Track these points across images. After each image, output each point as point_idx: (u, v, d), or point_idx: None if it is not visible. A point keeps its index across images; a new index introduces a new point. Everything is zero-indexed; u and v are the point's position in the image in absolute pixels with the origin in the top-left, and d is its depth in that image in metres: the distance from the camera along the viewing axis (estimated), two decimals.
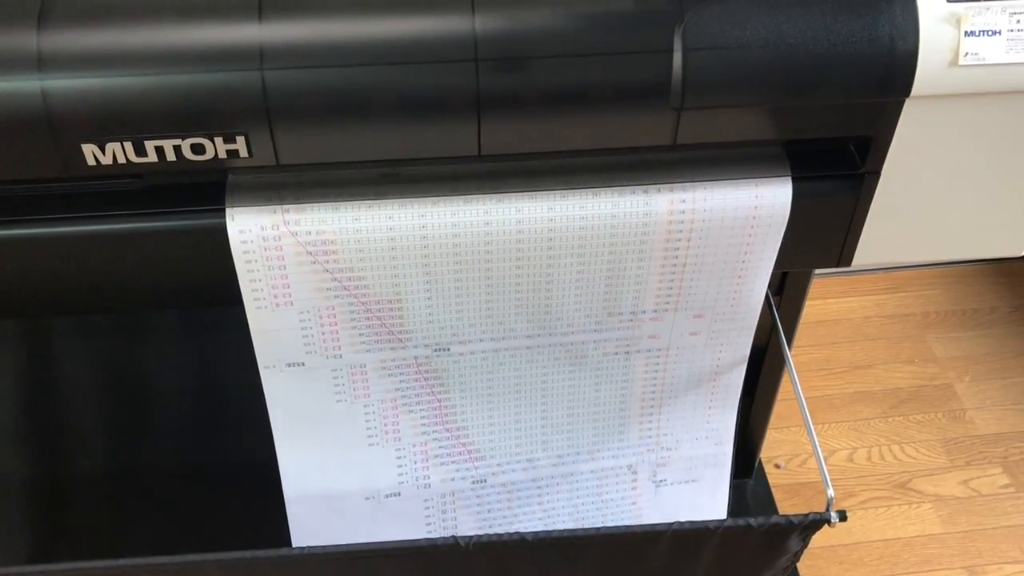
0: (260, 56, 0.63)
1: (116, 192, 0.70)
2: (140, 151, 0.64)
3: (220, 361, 1.03)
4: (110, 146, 0.64)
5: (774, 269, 0.79)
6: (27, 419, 1.02)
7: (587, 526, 0.90)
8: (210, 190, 0.71)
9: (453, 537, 0.75)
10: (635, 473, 0.93)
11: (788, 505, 1.26)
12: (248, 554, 0.76)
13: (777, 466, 1.31)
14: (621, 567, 0.81)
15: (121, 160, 0.65)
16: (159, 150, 0.65)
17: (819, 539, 0.87)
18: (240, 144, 0.65)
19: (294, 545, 0.90)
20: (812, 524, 0.77)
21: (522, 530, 0.81)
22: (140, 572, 0.77)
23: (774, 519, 0.76)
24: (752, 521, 0.76)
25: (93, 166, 0.65)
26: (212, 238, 0.71)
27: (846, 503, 1.26)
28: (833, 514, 0.77)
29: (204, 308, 0.99)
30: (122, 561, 0.76)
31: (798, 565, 1.13)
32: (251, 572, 0.78)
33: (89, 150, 0.64)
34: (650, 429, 0.91)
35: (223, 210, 0.71)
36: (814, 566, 1.19)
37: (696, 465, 0.94)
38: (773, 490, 1.23)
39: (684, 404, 0.90)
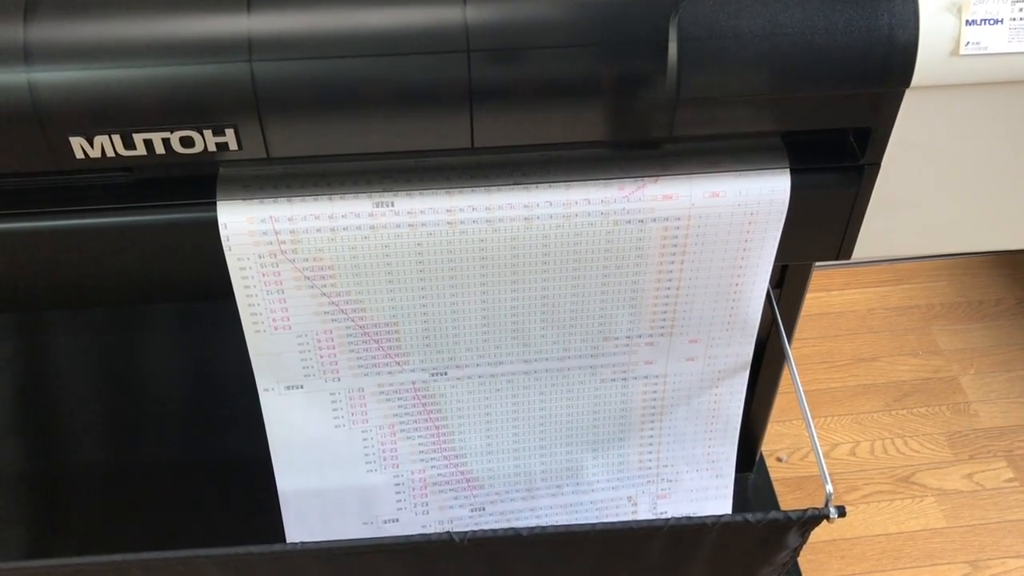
0: (248, 47, 0.62)
1: (106, 185, 0.70)
2: (129, 144, 0.64)
3: (217, 354, 1.02)
4: (98, 139, 0.63)
5: (773, 262, 0.79)
6: (23, 413, 1.02)
7: None
8: (201, 183, 0.71)
9: (448, 532, 0.75)
10: (635, 504, 0.93)
11: (790, 499, 1.25)
12: (244, 550, 0.76)
13: (779, 459, 1.30)
14: (617, 563, 0.81)
15: (110, 153, 0.64)
16: (148, 143, 0.64)
17: (820, 533, 0.87)
18: (230, 137, 0.64)
19: None
20: (811, 520, 0.76)
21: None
22: (136, 567, 0.77)
23: (772, 514, 0.76)
24: (750, 516, 0.75)
25: (82, 159, 0.64)
26: (204, 232, 0.71)
27: (848, 497, 1.25)
28: (832, 509, 0.76)
29: (198, 302, 0.99)
30: (118, 556, 0.75)
31: (799, 559, 1.13)
32: (247, 568, 0.78)
33: (77, 143, 0.63)
34: (650, 459, 0.91)
35: (214, 204, 0.70)
36: (815, 560, 1.18)
37: (697, 498, 0.94)
38: (775, 484, 1.22)
39: (684, 434, 0.90)
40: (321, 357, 0.79)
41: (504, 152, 0.71)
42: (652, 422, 0.89)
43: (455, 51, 0.63)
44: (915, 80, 0.67)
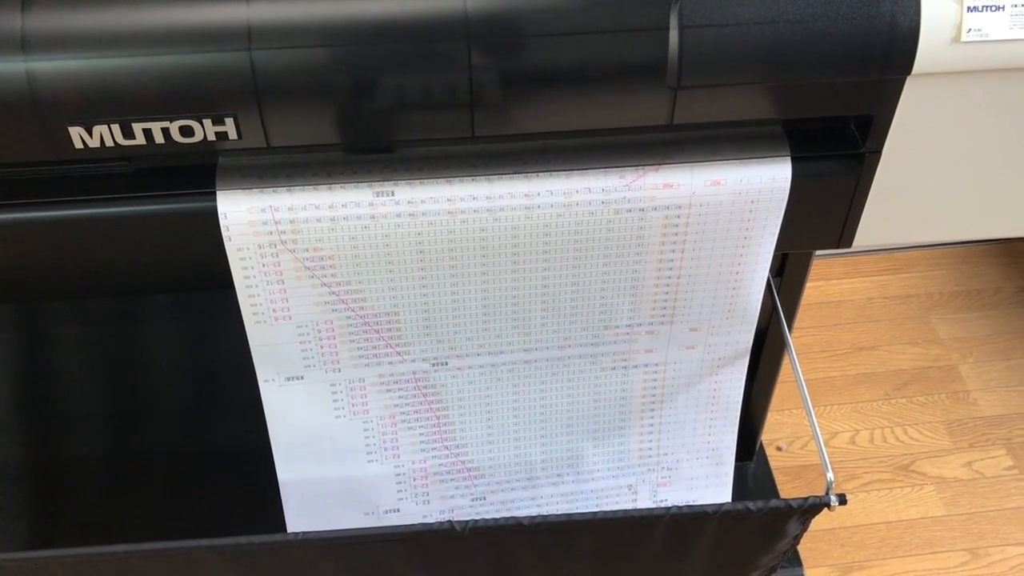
0: (248, 36, 0.62)
1: (106, 176, 0.70)
2: (128, 134, 0.64)
3: (217, 345, 1.02)
4: (97, 129, 0.63)
5: (774, 251, 0.79)
6: (23, 404, 1.01)
7: None
8: (201, 173, 0.70)
9: (449, 521, 0.75)
10: (635, 493, 0.93)
11: (790, 488, 1.25)
12: (245, 540, 0.76)
13: (779, 448, 1.31)
14: (619, 551, 0.81)
15: (109, 143, 0.64)
16: (147, 132, 0.64)
17: (820, 522, 0.87)
18: (229, 126, 0.64)
19: None
20: (811, 508, 0.76)
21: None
22: (137, 557, 0.77)
23: (773, 503, 0.76)
24: (751, 505, 0.75)
25: (81, 149, 0.64)
26: (203, 222, 0.71)
27: (848, 485, 1.26)
28: (833, 497, 0.76)
29: (198, 293, 0.98)
30: (119, 547, 0.75)
31: (799, 548, 1.13)
32: (248, 558, 0.78)
33: (76, 133, 0.63)
34: (650, 448, 0.91)
35: (214, 194, 0.70)
36: (815, 549, 1.18)
37: (697, 485, 0.94)
38: (775, 473, 1.23)
39: (684, 422, 0.90)
40: (321, 347, 0.79)
41: (504, 141, 0.71)
42: (652, 410, 0.89)
43: (455, 39, 0.63)
44: (916, 67, 0.66)
